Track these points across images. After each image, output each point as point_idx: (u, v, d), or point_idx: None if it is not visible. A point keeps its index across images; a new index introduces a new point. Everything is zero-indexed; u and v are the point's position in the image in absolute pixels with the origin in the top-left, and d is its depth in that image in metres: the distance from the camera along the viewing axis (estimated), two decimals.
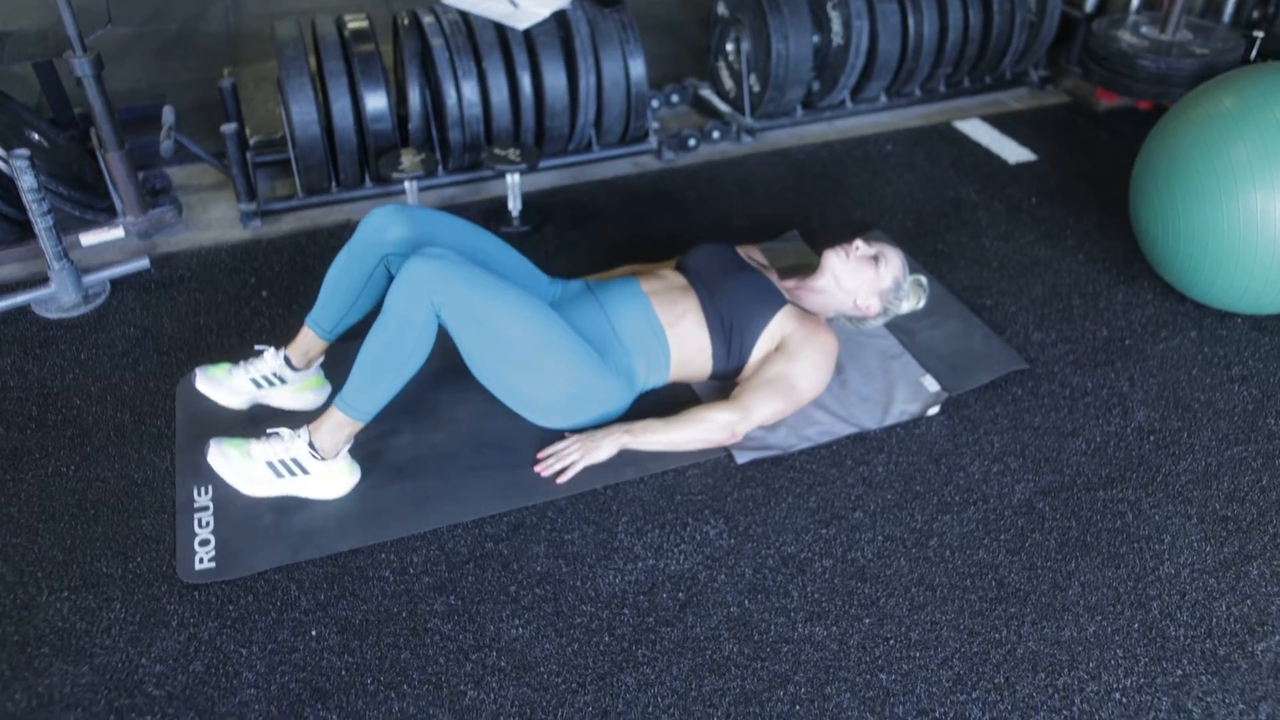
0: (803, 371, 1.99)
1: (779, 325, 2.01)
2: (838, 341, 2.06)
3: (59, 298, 2.50)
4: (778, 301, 2.02)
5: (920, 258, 2.64)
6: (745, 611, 1.68)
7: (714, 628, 1.65)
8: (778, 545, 1.80)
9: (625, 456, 1.96)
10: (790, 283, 2.18)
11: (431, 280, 1.74)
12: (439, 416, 2.08)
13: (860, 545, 1.80)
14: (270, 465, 1.83)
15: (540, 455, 1.97)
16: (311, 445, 1.83)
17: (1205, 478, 1.95)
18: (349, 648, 1.62)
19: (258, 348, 2.11)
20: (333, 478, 1.87)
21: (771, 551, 1.79)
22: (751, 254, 2.30)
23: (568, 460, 1.94)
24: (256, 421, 2.06)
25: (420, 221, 1.98)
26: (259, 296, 2.52)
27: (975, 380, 2.17)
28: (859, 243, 2.15)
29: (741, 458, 1.97)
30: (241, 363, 2.10)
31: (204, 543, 1.80)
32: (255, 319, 2.44)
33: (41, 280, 2.51)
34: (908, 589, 1.72)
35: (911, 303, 2.24)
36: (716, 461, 1.98)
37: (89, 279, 2.54)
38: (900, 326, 2.34)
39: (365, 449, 1.98)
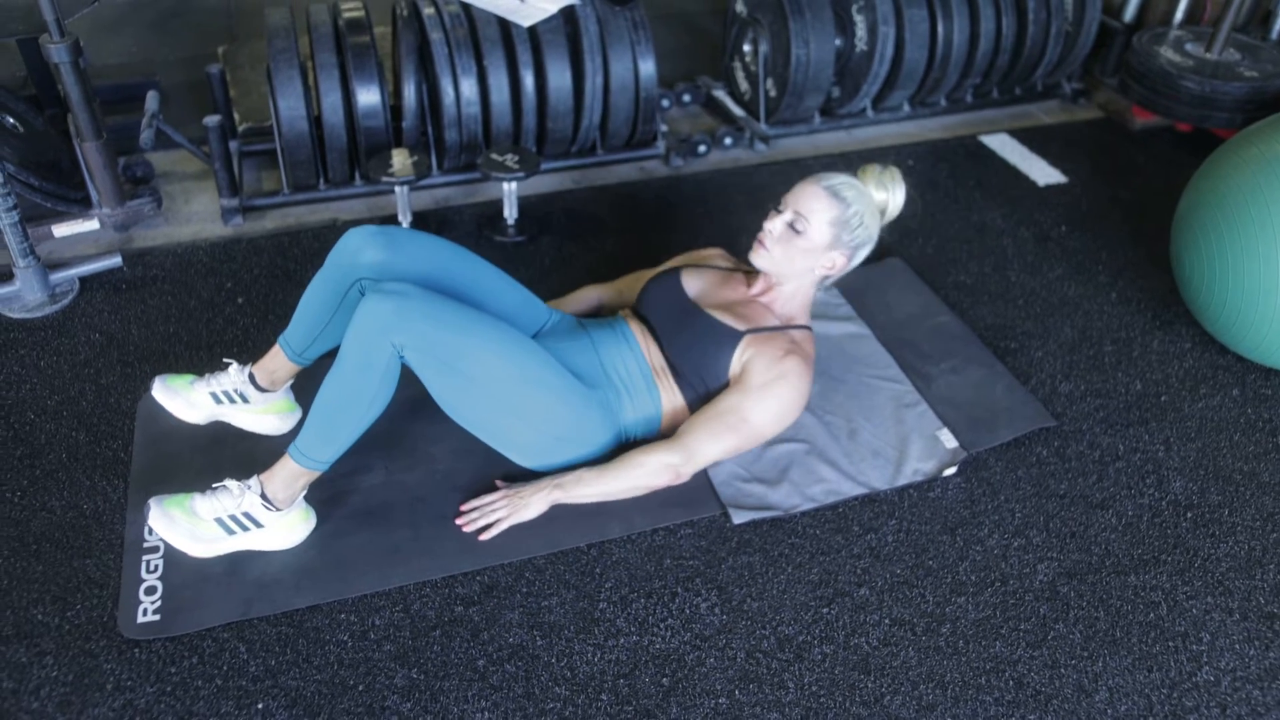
0: (756, 404, 1.80)
1: (738, 360, 1.83)
2: (807, 366, 1.85)
3: (23, 296, 2.35)
4: (730, 340, 1.83)
5: (941, 291, 2.47)
6: (735, 704, 1.52)
7: None
8: (774, 624, 1.64)
9: (610, 511, 1.81)
10: (758, 286, 1.96)
11: (390, 319, 1.58)
12: (415, 454, 1.93)
13: (865, 629, 1.64)
14: (220, 522, 1.67)
15: (464, 508, 1.80)
16: (264, 496, 1.67)
17: (1248, 565, 1.78)
18: None
19: (225, 361, 1.96)
20: (289, 528, 1.72)
21: (767, 632, 1.63)
22: (708, 263, 2.08)
23: (493, 517, 1.77)
24: (221, 442, 1.92)
25: (398, 245, 1.81)
26: (234, 304, 2.37)
27: (996, 437, 2.01)
28: (766, 225, 1.87)
29: (738, 517, 1.82)
30: (205, 375, 1.96)
31: (150, 590, 1.65)
32: (228, 329, 2.28)
33: (6, 276, 2.36)
34: (915, 685, 1.56)
35: (884, 205, 1.89)
36: (711, 521, 1.82)
37: (57, 276, 2.39)
38: (917, 370, 2.17)
39: (332, 488, 1.83)
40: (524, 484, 1.82)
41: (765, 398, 1.80)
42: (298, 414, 1.99)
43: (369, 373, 1.61)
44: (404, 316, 1.58)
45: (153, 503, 1.68)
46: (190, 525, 1.66)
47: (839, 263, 1.88)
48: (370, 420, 1.67)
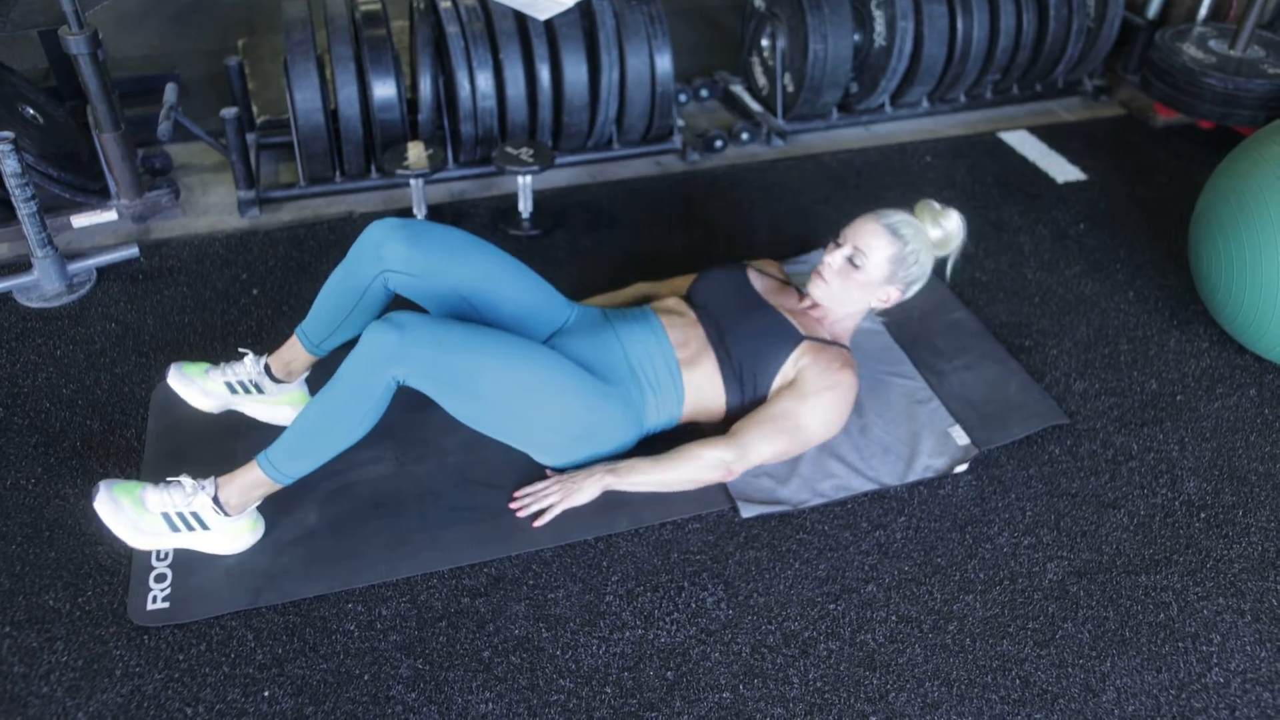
0: (811, 411, 1.82)
1: (793, 363, 1.85)
2: (857, 381, 1.89)
3: (41, 286, 2.37)
4: (792, 340, 1.85)
5: (956, 287, 2.45)
6: (739, 698, 1.52)
7: (702, 716, 1.49)
8: (780, 620, 1.64)
9: (618, 504, 1.81)
10: (808, 302, 1.99)
11: (394, 351, 1.58)
12: (426, 445, 1.93)
13: (871, 625, 1.63)
14: (166, 517, 1.65)
15: (518, 494, 1.82)
16: (216, 500, 1.65)
17: (1261, 567, 1.76)
18: (302, 714, 1.48)
19: (241, 351, 1.98)
20: (234, 535, 1.69)
21: (773, 627, 1.63)
22: (767, 270, 2.12)
23: (547, 501, 1.79)
24: (233, 433, 1.93)
25: (421, 238, 1.81)
26: (249, 295, 2.38)
27: (1009, 434, 1.99)
28: (825, 258, 1.91)
29: (747, 511, 1.81)
30: (220, 364, 1.96)
31: (160, 578, 1.67)
32: (242, 320, 2.30)
33: (25, 266, 2.38)
34: (921, 683, 1.55)
35: (944, 243, 1.94)
36: (720, 515, 1.82)
37: (74, 266, 2.41)
38: (930, 367, 2.16)
39: (342, 478, 1.84)
40: (577, 469, 1.83)
41: (819, 405, 1.82)
42: None
43: (362, 398, 1.61)
44: (407, 346, 1.58)
45: (102, 485, 1.65)
46: (135, 515, 1.64)
47: (893, 296, 1.92)
48: (350, 444, 1.66)
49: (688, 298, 2.03)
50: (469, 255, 1.86)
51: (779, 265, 2.22)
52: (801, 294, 2.03)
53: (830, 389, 1.83)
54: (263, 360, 1.94)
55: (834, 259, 1.90)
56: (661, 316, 1.95)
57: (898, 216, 1.90)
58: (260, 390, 1.93)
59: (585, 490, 1.79)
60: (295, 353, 1.94)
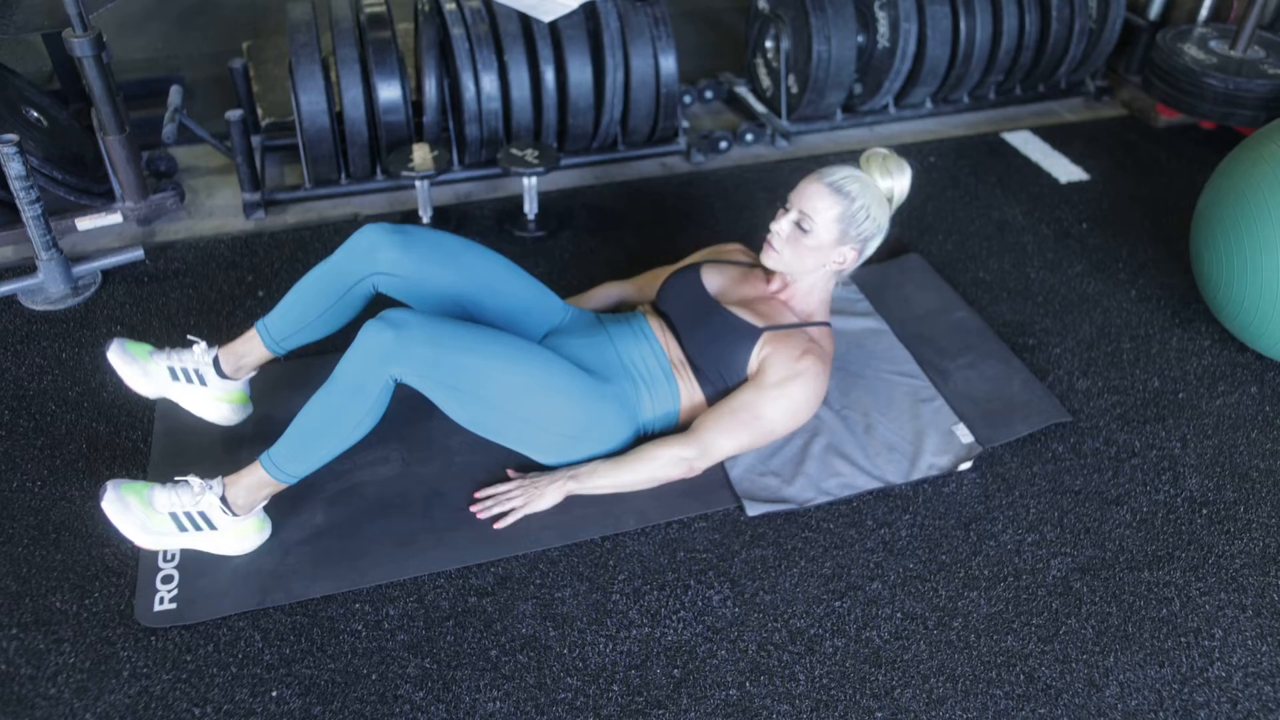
0: (772, 402, 1.80)
1: (757, 357, 1.83)
2: (824, 366, 1.84)
3: (46, 289, 2.38)
4: (749, 336, 1.84)
5: (960, 287, 2.46)
6: (746, 695, 1.53)
7: (709, 713, 1.50)
8: (786, 617, 1.65)
9: (625, 504, 1.81)
10: (776, 283, 1.95)
11: (391, 349, 1.58)
12: (432, 446, 1.94)
13: (877, 623, 1.64)
14: (174, 517, 1.65)
15: (479, 495, 1.82)
16: (224, 500, 1.66)
17: (1263, 562, 1.77)
18: (310, 714, 1.49)
19: (190, 338, 1.92)
20: (241, 535, 1.70)
21: (779, 625, 1.63)
22: (729, 257, 2.07)
23: (508, 505, 1.79)
24: (239, 435, 1.93)
25: (413, 243, 1.82)
26: (254, 297, 2.39)
27: (1013, 432, 2.00)
28: (772, 226, 1.85)
29: (752, 510, 1.82)
30: (166, 348, 1.91)
31: (167, 579, 1.67)
32: (248, 322, 2.29)
33: (30, 269, 2.39)
34: (926, 679, 1.56)
35: (890, 193, 1.86)
36: (726, 514, 1.82)
37: (80, 269, 2.42)
38: (934, 366, 2.17)
39: (349, 479, 1.85)
40: (539, 474, 1.83)
41: (779, 396, 1.80)
42: (249, 409, 1.96)
43: (361, 397, 1.62)
44: (404, 344, 1.59)
45: (110, 485, 1.65)
46: (143, 515, 1.64)
47: (850, 257, 1.87)
48: (352, 443, 1.67)
49: (656, 309, 2.01)
50: (461, 259, 1.86)
51: (744, 248, 2.15)
52: (769, 274, 1.98)
53: (792, 378, 1.80)
54: (213, 352, 1.89)
55: (781, 225, 1.85)
56: (649, 319, 1.95)
57: (842, 173, 1.83)
58: (203, 382, 1.88)
59: (547, 495, 1.79)
60: (250, 347, 1.88)
